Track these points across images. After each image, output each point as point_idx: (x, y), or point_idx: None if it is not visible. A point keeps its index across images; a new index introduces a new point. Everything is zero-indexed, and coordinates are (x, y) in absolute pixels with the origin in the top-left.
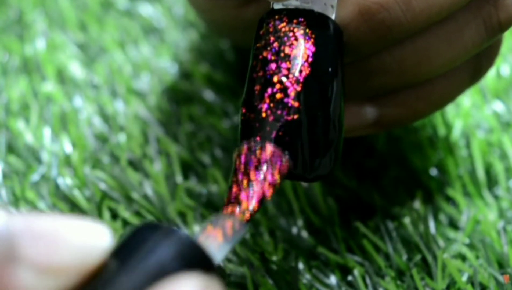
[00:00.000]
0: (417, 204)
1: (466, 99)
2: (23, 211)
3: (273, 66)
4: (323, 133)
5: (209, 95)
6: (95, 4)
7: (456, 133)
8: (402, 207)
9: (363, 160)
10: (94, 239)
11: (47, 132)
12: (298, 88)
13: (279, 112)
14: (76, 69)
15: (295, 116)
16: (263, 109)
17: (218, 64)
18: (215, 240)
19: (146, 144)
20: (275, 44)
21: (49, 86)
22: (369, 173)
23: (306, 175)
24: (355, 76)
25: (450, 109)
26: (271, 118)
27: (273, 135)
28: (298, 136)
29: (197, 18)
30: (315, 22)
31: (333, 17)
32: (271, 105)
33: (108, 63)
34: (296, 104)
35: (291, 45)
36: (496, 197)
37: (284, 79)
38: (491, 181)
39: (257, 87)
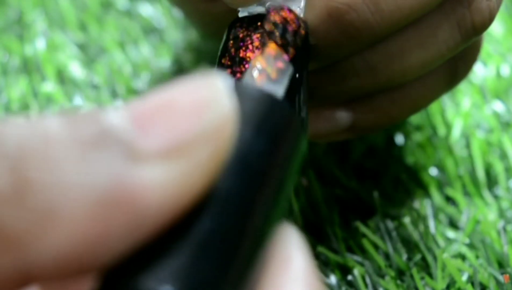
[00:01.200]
0: (417, 204)
1: (466, 99)
2: None
3: (228, 71)
4: None
5: None
6: (95, 4)
7: (456, 133)
8: (402, 207)
9: (363, 160)
10: (215, 94)
11: None
12: None
13: None
14: (76, 69)
15: None
16: None
17: None
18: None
19: None
20: (232, 50)
21: (49, 86)
22: (369, 173)
23: None
24: (328, 81)
25: (450, 109)
26: None
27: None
28: None
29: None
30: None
31: (301, 15)
32: None
33: (108, 63)
34: None
35: (246, 48)
36: (496, 197)
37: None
38: (491, 181)
39: None
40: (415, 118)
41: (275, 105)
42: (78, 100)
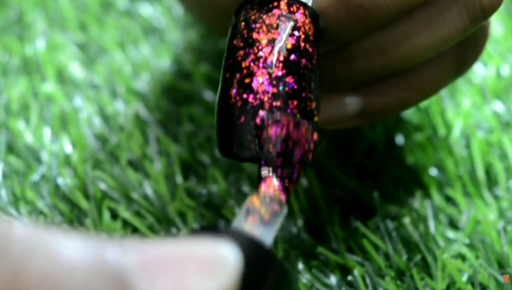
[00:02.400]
0: (417, 204)
1: (466, 99)
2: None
3: (241, 52)
4: (294, 116)
5: (209, 95)
6: (95, 4)
7: (456, 133)
8: (402, 207)
9: (363, 160)
10: (224, 259)
11: (47, 132)
12: (265, 72)
13: (245, 96)
14: (76, 69)
15: (263, 99)
16: (232, 95)
17: (218, 64)
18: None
19: (146, 144)
20: (245, 32)
21: (49, 86)
22: (369, 173)
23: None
24: (337, 65)
25: (450, 109)
26: (239, 103)
27: (242, 119)
28: (266, 118)
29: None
30: (286, 7)
31: (309, 2)
32: (240, 90)
33: (108, 63)
34: (262, 88)
35: (258, 31)
36: (496, 197)
37: (251, 64)
38: (491, 181)
39: (227, 75)
40: (415, 118)
41: (262, 255)
42: (78, 100)
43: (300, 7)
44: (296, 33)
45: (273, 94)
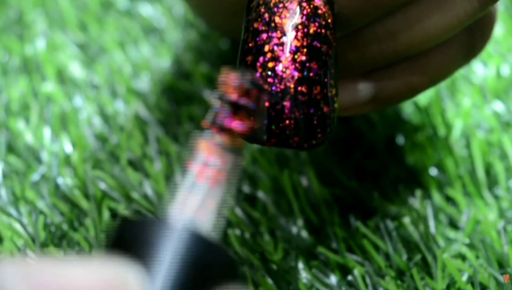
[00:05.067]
0: (417, 204)
1: (466, 99)
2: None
3: (263, 36)
4: (316, 102)
5: (209, 95)
6: (95, 4)
7: (456, 133)
8: (402, 207)
9: (363, 160)
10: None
11: (47, 132)
12: (290, 57)
13: (270, 80)
14: (76, 69)
15: (288, 84)
16: (256, 78)
17: (218, 64)
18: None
19: (146, 144)
20: (266, 15)
21: (49, 86)
22: (369, 173)
23: (301, 143)
24: (349, 49)
25: (450, 109)
26: (264, 86)
27: (268, 103)
28: (292, 105)
29: (195, 16)
30: None
31: None
32: (263, 74)
33: (108, 63)
34: (288, 72)
35: (281, 15)
36: (496, 197)
37: (275, 48)
38: (491, 181)
39: (249, 58)
40: (415, 118)
41: (201, 247)
42: (78, 100)
43: None
44: (317, 19)
45: (298, 78)
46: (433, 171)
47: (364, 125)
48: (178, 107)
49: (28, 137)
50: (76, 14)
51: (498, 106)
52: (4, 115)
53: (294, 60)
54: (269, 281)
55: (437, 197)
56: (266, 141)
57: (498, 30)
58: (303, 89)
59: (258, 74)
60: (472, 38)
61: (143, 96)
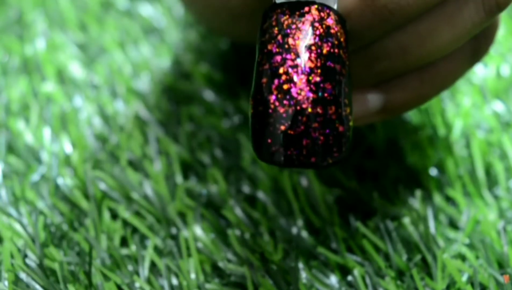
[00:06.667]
0: (417, 204)
1: (466, 99)
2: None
3: (278, 58)
4: (331, 121)
5: (209, 95)
6: (95, 4)
7: (456, 133)
8: (402, 207)
9: (363, 160)
10: None
11: (47, 132)
12: (304, 78)
13: (285, 102)
14: (76, 69)
15: (304, 106)
16: (271, 101)
17: (218, 64)
18: None
19: (146, 144)
20: (279, 37)
21: (49, 86)
22: (369, 173)
23: (318, 163)
24: (359, 63)
25: (450, 109)
26: (280, 109)
27: (282, 127)
28: (309, 126)
29: (194, 21)
30: (317, 13)
31: (335, 6)
32: (279, 96)
33: (108, 63)
34: (303, 94)
35: (294, 36)
36: (496, 197)
37: (290, 70)
38: (491, 181)
39: (264, 80)
40: (415, 118)
41: None
42: (78, 100)
43: (330, 12)
44: (330, 39)
45: (314, 99)
46: (433, 171)
47: (364, 125)
48: (178, 107)
49: (28, 137)
50: (76, 14)
51: (498, 106)
52: (4, 115)
53: (308, 82)
54: (269, 281)
55: (437, 197)
56: (283, 162)
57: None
58: (319, 110)
59: (274, 97)
60: (477, 43)
61: (143, 96)
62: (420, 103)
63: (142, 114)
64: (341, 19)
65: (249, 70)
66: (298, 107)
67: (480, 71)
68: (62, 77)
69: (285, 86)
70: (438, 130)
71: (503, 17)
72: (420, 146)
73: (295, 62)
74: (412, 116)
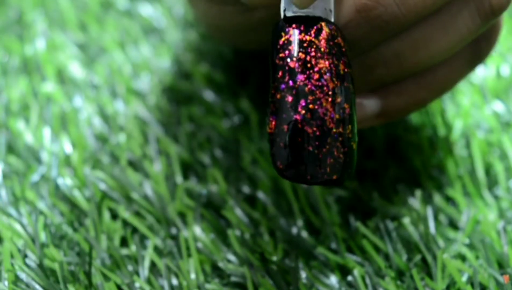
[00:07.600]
0: (417, 204)
1: (466, 99)
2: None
3: (301, 77)
4: (348, 140)
5: (209, 95)
6: (95, 4)
7: (456, 133)
8: (402, 207)
9: (363, 160)
10: None
11: (47, 132)
12: (330, 99)
13: (313, 122)
14: (76, 69)
15: (330, 126)
16: (299, 120)
17: (218, 64)
18: None
19: (146, 144)
20: (300, 55)
21: (49, 86)
22: (369, 173)
23: (340, 180)
24: (357, 71)
25: (450, 109)
26: (308, 129)
27: (312, 145)
28: (333, 145)
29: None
30: (328, 30)
31: (332, 20)
32: (307, 116)
33: (108, 63)
34: (329, 114)
35: (315, 56)
36: (496, 197)
37: (314, 89)
38: (491, 181)
39: (289, 98)
40: (415, 118)
41: None
42: (78, 100)
43: (337, 29)
44: (343, 58)
45: (337, 120)
46: (433, 171)
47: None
48: (178, 107)
49: (28, 137)
50: (76, 14)
51: (498, 106)
52: (4, 115)
53: (333, 103)
54: (269, 281)
55: (437, 197)
56: (309, 181)
57: None
58: (340, 129)
59: (300, 117)
60: (478, 47)
61: (143, 96)
62: (419, 107)
63: (142, 114)
64: (342, 33)
65: (249, 70)
66: (325, 128)
67: (480, 71)
68: (62, 77)
69: (311, 106)
70: (438, 130)
71: (503, 17)
72: (420, 146)
73: (320, 82)
74: (412, 116)
